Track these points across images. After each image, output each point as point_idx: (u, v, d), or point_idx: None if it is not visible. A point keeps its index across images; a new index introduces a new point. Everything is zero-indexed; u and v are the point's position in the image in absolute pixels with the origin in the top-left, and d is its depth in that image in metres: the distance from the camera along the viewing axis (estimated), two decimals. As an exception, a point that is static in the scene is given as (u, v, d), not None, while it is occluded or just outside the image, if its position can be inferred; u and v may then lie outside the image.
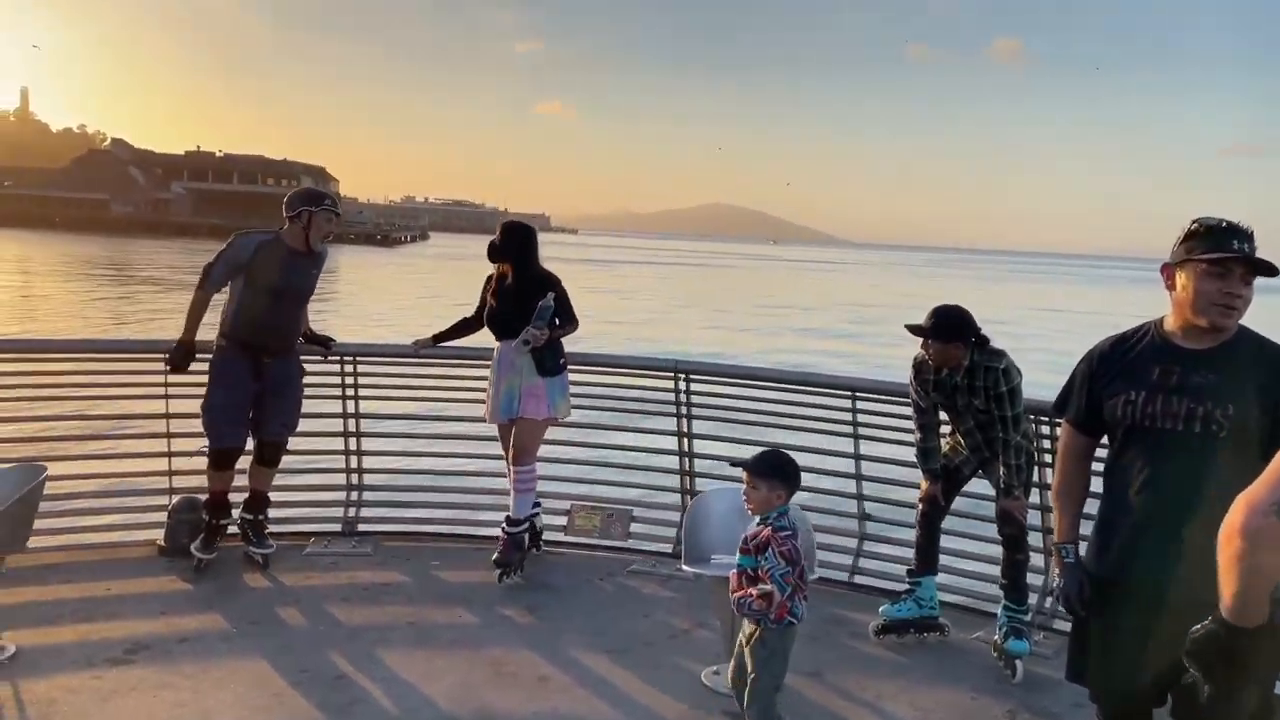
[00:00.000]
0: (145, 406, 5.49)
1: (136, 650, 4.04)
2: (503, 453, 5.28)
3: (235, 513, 5.19)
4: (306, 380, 5.78)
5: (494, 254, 5.16)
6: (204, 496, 5.15)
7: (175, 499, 5.31)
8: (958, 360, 4.21)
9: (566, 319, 5.11)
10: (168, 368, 5.05)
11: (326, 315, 31.86)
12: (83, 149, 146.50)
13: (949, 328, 4.19)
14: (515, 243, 5.15)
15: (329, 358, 5.73)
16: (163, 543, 5.16)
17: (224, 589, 4.80)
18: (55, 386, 5.56)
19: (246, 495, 5.21)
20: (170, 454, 5.46)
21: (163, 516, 5.26)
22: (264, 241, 5.01)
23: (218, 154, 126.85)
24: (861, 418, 5.44)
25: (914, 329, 4.22)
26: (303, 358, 5.78)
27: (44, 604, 4.43)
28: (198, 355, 5.02)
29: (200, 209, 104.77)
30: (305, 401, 5.85)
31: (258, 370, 5.02)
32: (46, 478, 4.09)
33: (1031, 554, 4.48)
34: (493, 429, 5.30)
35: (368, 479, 5.86)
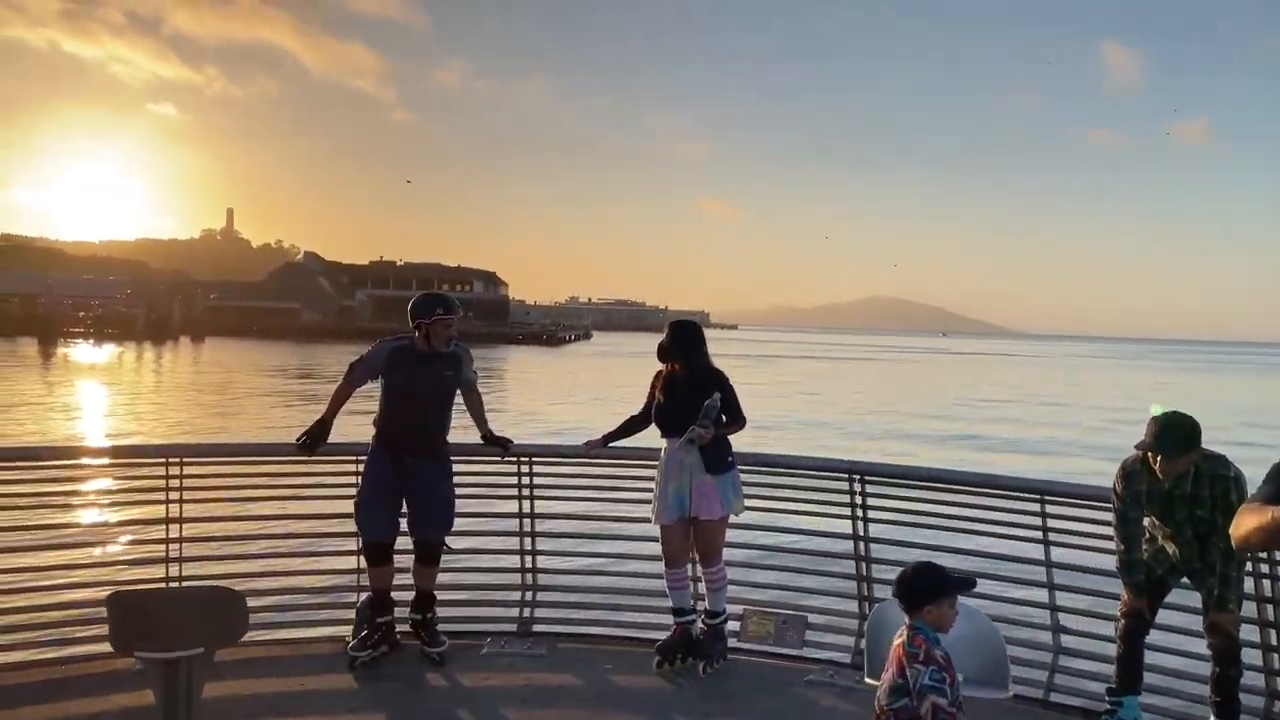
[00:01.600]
0: (337, 506, 5.75)
1: (330, 746, 4.17)
2: (661, 552, 5.26)
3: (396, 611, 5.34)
4: (484, 480, 5.99)
5: (663, 353, 5.24)
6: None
7: (362, 597, 5.51)
8: (1185, 470, 3.96)
9: (733, 417, 5.12)
10: (299, 443, 5.28)
11: (498, 414, 32.98)
12: (279, 262, 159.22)
13: (1183, 440, 3.95)
14: (683, 341, 5.23)
15: (505, 458, 5.93)
16: (351, 640, 5.35)
17: (409, 686, 4.92)
18: (255, 487, 5.92)
19: (413, 595, 5.36)
20: (359, 552, 5.69)
21: (351, 614, 5.47)
22: (397, 347, 5.27)
23: (398, 263, 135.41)
24: (1052, 522, 5.15)
25: (1146, 447, 3.98)
26: (480, 458, 6.00)
27: (245, 697, 4.65)
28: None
29: (381, 314, 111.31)
30: (483, 501, 6.06)
31: (402, 469, 5.20)
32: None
33: (1245, 670, 4.09)
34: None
35: (542, 579, 5.94)
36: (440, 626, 5.54)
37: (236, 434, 24.92)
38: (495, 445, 5.64)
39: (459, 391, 5.42)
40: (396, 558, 5.35)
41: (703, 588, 5.37)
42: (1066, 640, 5.12)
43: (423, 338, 5.22)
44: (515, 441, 5.81)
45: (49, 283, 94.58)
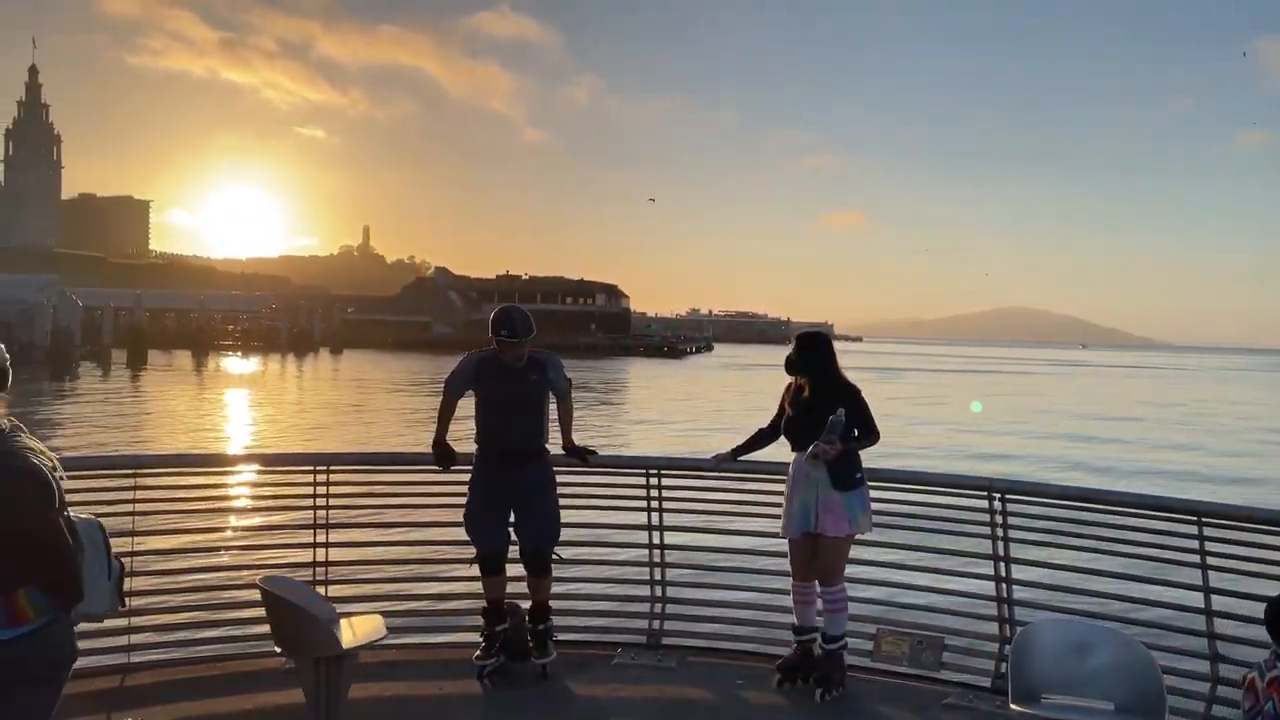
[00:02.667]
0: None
1: (466, 751, 4.27)
2: (789, 567, 5.19)
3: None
4: (614, 492, 6.04)
5: (791, 366, 5.16)
6: (523, 604, 5.44)
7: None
8: None
9: (865, 431, 5.02)
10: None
11: (620, 425, 33.24)
12: (411, 277, 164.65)
13: None
14: (811, 353, 5.15)
15: (634, 470, 5.99)
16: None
17: (545, 695, 4.99)
18: (395, 494, 6.12)
19: (529, 606, 5.39)
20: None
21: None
22: (483, 357, 5.34)
23: (523, 276, 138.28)
24: (1210, 546, 4.86)
25: None
26: (610, 469, 6.06)
27: (387, 699, 4.81)
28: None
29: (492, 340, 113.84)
30: (614, 513, 6.11)
31: (504, 479, 5.23)
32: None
33: None
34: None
35: (671, 591, 5.95)
36: (570, 637, 5.60)
37: (375, 442, 25.83)
38: (575, 456, 5.54)
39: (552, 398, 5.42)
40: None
41: None
42: (1224, 670, 4.82)
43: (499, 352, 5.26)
44: (642, 454, 5.84)
45: (202, 299, 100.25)
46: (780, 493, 5.30)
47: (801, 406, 5.10)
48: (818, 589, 5.15)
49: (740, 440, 5.52)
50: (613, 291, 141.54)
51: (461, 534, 5.69)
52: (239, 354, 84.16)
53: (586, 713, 4.79)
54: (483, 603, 5.38)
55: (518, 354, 5.19)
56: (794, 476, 5.09)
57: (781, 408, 5.25)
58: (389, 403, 41.75)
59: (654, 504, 5.94)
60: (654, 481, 5.94)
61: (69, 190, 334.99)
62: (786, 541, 5.19)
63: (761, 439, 5.39)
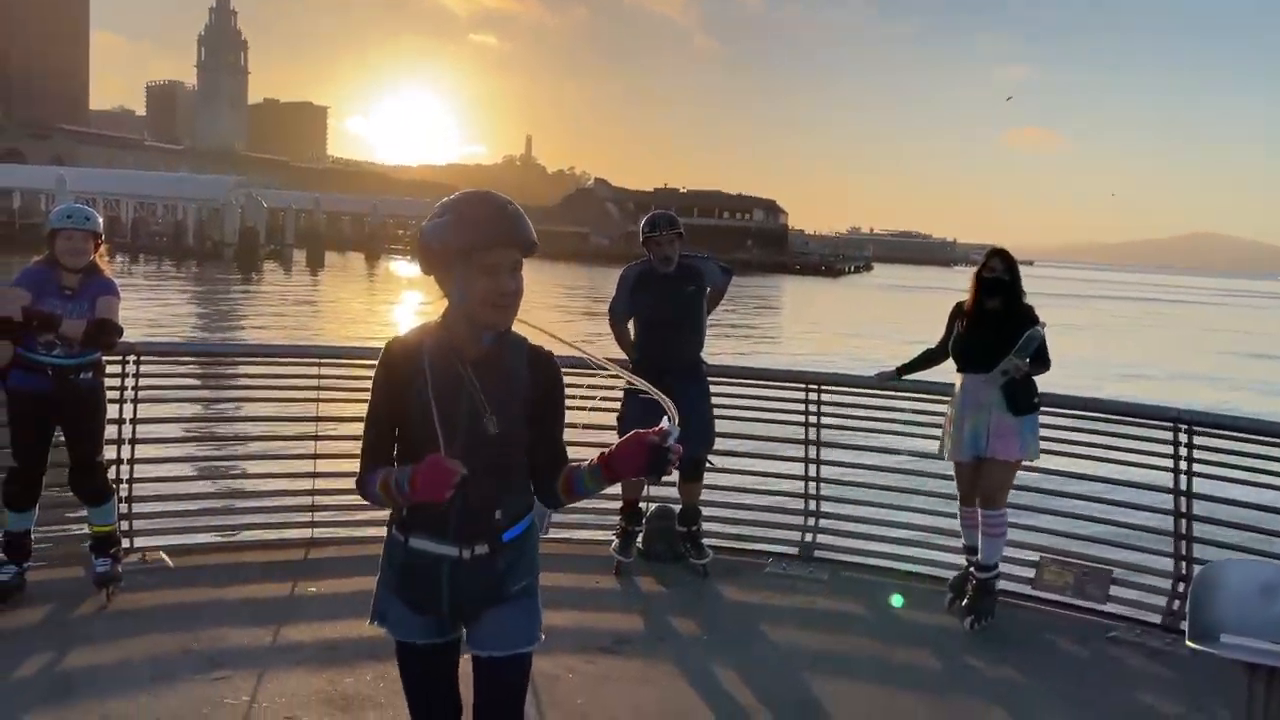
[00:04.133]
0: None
1: (622, 643, 4.43)
2: (957, 491, 5.07)
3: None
4: (772, 405, 6.03)
5: (993, 282, 4.85)
6: (676, 505, 5.55)
7: (651, 507, 5.75)
8: None
9: (1039, 359, 4.79)
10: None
11: (775, 343, 33.05)
12: (571, 188, 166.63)
13: None
14: (1015, 270, 4.90)
15: (793, 383, 5.96)
16: (640, 545, 5.61)
17: (696, 595, 5.11)
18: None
19: (679, 508, 5.50)
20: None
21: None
22: (639, 272, 5.38)
23: (681, 190, 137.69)
24: None
25: None
26: (770, 383, 6.06)
27: (544, 589, 5.00)
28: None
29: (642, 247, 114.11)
30: (770, 426, 6.10)
31: (658, 386, 5.24)
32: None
33: None
34: (949, 466, 5.12)
35: (825, 506, 5.93)
36: (719, 543, 5.69)
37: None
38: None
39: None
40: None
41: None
42: None
43: (650, 254, 5.32)
44: (801, 368, 5.79)
45: (374, 204, 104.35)
46: (943, 414, 5.16)
47: (980, 325, 4.87)
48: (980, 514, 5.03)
49: (905, 359, 5.39)
50: (771, 207, 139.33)
51: (609, 436, 5.77)
52: (408, 257, 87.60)
53: (737, 616, 4.87)
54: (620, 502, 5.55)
55: (665, 254, 5.26)
56: (964, 399, 4.92)
57: (951, 328, 5.06)
58: (549, 308, 42.76)
59: (812, 418, 5.90)
60: (813, 396, 5.89)
61: (254, 95, 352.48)
62: (951, 465, 5.06)
63: (929, 359, 5.24)
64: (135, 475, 5.27)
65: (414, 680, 2.37)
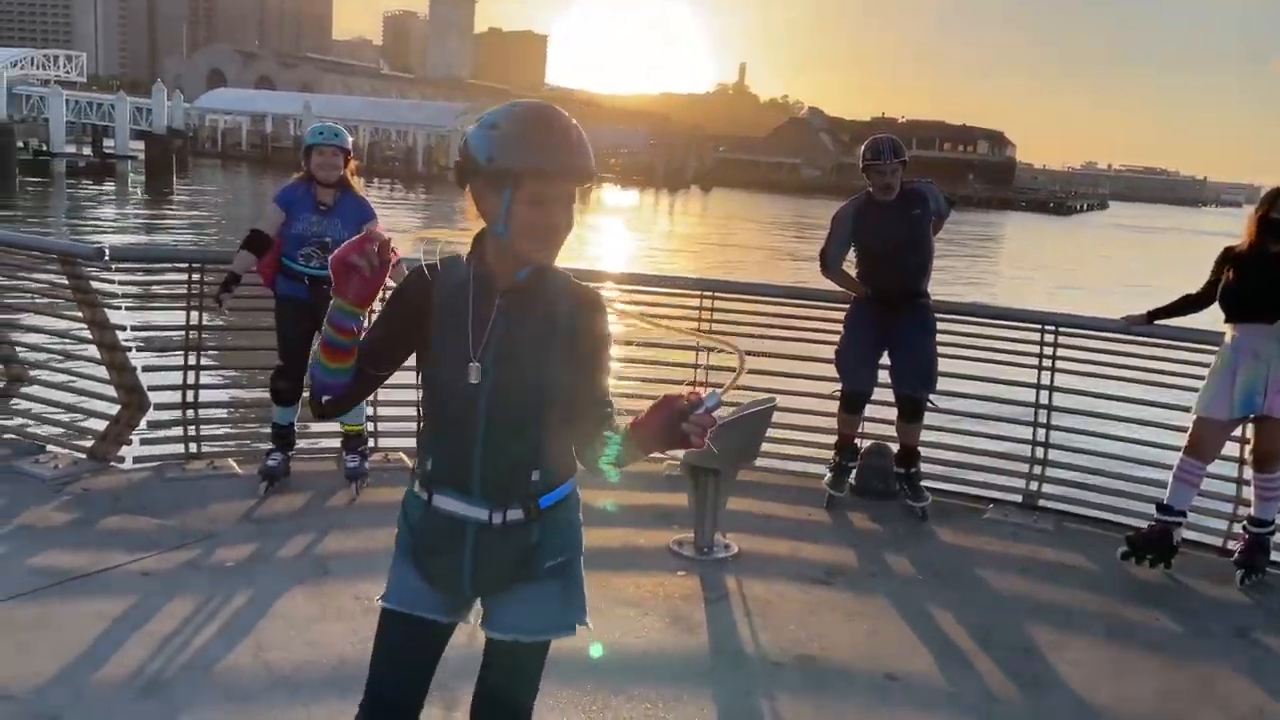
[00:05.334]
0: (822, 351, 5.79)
1: (834, 575, 4.42)
2: (1208, 449, 4.65)
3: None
4: (1000, 345, 5.75)
5: (1271, 225, 4.40)
6: (894, 444, 5.43)
7: (866, 444, 5.65)
8: None
9: None
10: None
11: (991, 283, 31.49)
12: (783, 118, 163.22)
13: None
14: None
15: (1027, 325, 5.67)
16: (853, 482, 5.54)
17: (910, 535, 5.01)
18: (770, 327, 6.22)
19: (897, 449, 5.37)
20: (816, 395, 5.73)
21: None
22: (858, 206, 5.18)
23: (900, 120, 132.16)
24: None
25: None
26: (1001, 323, 5.78)
27: (759, 516, 5.06)
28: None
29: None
30: (995, 367, 5.83)
31: (882, 322, 5.11)
32: (774, 408, 4.72)
33: None
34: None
35: (1054, 455, 5.64)
36: (940, 486, 5.54)
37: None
38: None
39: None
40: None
41: (1247, 492, 4.75)
42: None
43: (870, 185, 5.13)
44: (1037, 308, 5.48)
45: (589, 132, 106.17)
46: (1199, 364, 4.75)
47: (1259, 271, 4.39)
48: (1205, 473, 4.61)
49: (1158, 304, 4.98)
50: (997, 139, 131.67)
51: (825, 369, 5.68)
52: (619, 186, 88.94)
53: (953, 559, 4.75)
54: (828, 439, 5.47)
55: (887, 182, 5.06)
56: (1237, 351, 4.45)
57: (1219, 274, 4.60)
58: (755, 241, 42.45)
59: (1046, 361, 5.59)
60: (1049, 338, 5.58)
61: (480, 24, 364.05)
62: (1197, 419, 4.65)
63: (1187, 305, 4.80)
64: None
65: (393, 655, 2.05)
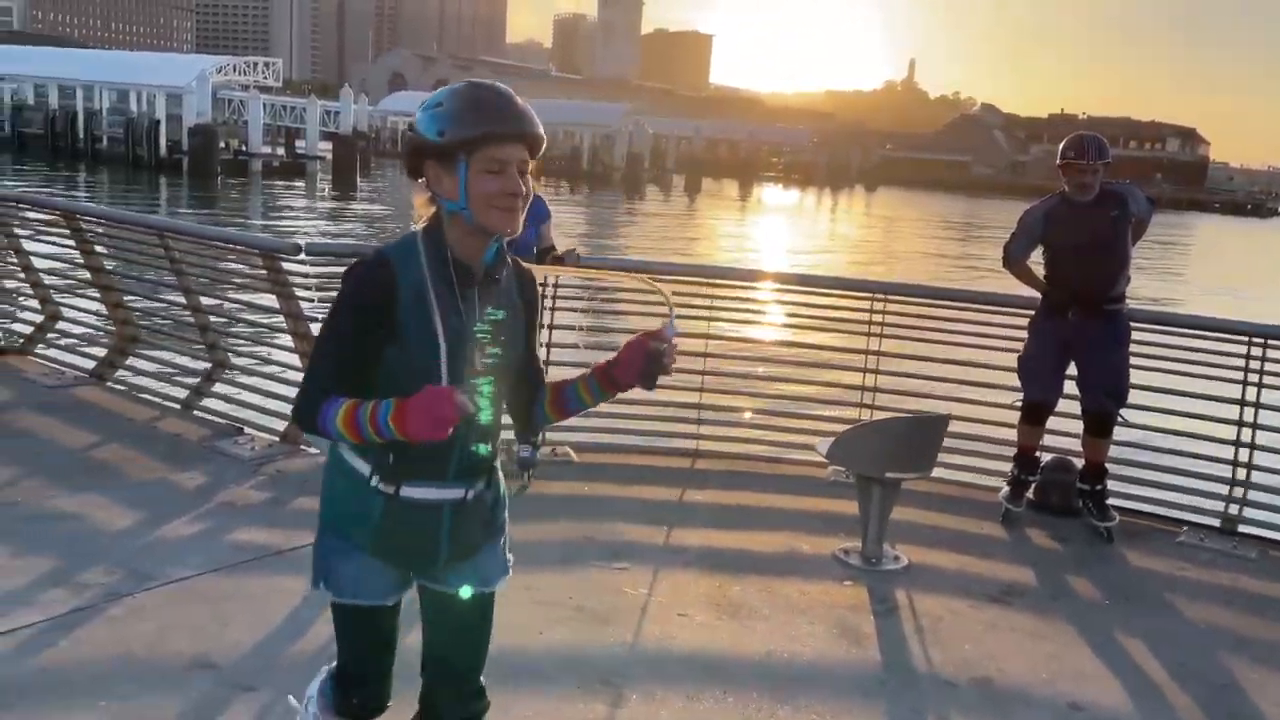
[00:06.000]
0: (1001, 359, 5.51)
1: (1011, 593, 4.22)
2: None
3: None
4: (1199, 357, 5.36)
5: None
6: (1078, 460, 5.14)
7: (1048, 458, 5.36)
8: None
9: None
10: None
11: (1178, 287, 29.49)
12: (954, 114, 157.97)
13: None
14: None
15: (1231, 337, 5.27)
16: (1031, 496, 5.27)
17: (1095, 556, 4.73)
18: (942, 330, 5.99)
19: (1082, 464, 5.06)
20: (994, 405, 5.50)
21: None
22: (1050, 206, 4.92)
23: (1081, 116, 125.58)
24: None
25: None
26: (1200, 333, 5.40)
27: (929, 528, 4.89)
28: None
29: (1056, 171, 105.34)
30: (1191, 380, 5.43)
31: (1070, 329, 4.82)
32: (948, 420, 4.56)
33: None
34: None
35: (1258, 477, 5.21)
36: (1124, 504, 5.20)
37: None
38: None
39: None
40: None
41: None
42: None
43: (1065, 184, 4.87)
44: (1243, 319, 5.07)
45: (750, 131, 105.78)
46: None
47: None
48: None
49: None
50: (1188, 136, 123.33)
51: (1006, 377, 5.42)
52: (780, 185, 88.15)
53: (1144, 584, 4.45)
54: (1014, 448, 5.21)
55: (1085, 182, 4.78)
56: None
57: None
58: (915, 241, 41.21)
59: (1252, 375, 5.17)
60: (1255, 352, 5.16)
61: (646, 25, 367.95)
62: None
63: None
64: (550, 377, 5.78)
65: (368, 644, 2.15)
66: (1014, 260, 5.08)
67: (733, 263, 25.33)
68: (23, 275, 7.18)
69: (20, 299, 7.34)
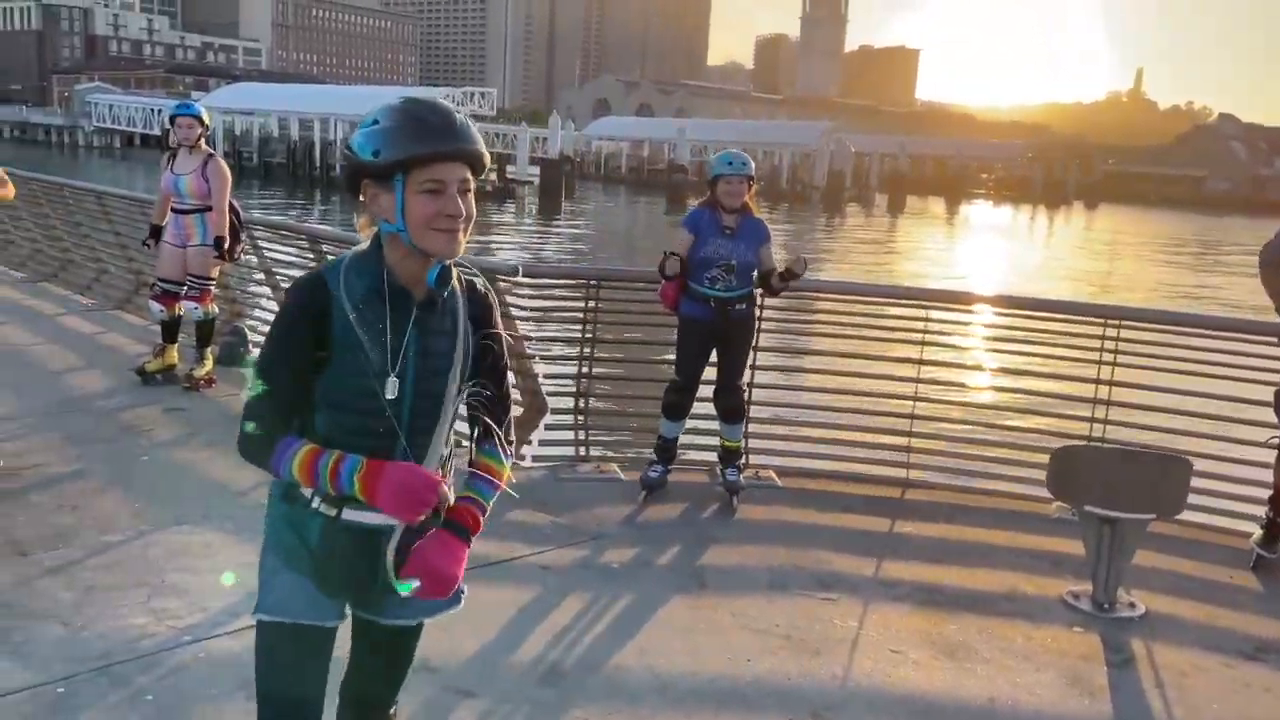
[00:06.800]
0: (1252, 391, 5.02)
1: (1265, 650, 3.82)
2: None
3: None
4: None
5: None
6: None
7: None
8: None
9: None
10: None
11: None
12: (1187, 126, 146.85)
13: None
14: None
15: None
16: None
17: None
18: (1186, 359, 5.50)
19: None
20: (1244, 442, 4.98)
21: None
22: None
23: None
24: None
25: None
26: None
27: (1169, 574, 4.49)
28: None
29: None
30: None
31: None
32: (1190, 464, 4.16)
33: None
34: None
35: None
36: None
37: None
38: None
39: None
40: None
41: None
42: None
43: None
44: None
45: (958, 146, 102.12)
46: None
47: None
48: None
49: None
50: None
51: (1260, 412, 4.90)
52: (990, 202, 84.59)
53: None
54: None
55: None
56: None
57: None
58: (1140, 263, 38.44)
59: None
60: None
61: (850, 42, 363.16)
62: None
63: None
64: (755, 399, 5.73)
65: (297, 669, 1.98)
66: (1273, 273, 4.55)
67: (938, 283, 24.47)
68: (271, 295, 7.86)
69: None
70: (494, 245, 34.45)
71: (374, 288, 1.84)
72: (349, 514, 1.89)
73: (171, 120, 6.36)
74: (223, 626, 3.45)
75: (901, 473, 5.65)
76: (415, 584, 1.87)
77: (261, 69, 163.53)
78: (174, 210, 6.40)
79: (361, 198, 1.85)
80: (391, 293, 1.84)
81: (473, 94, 67.09)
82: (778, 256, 5.14)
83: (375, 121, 1.79)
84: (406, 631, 2.09)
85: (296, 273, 7.69)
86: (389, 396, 1.84)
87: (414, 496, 1.79)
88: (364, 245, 1.89)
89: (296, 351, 1.83)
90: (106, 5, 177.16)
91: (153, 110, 73.54)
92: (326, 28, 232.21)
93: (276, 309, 1.84)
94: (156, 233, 6.53)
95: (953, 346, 6.01)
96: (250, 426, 1.84)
